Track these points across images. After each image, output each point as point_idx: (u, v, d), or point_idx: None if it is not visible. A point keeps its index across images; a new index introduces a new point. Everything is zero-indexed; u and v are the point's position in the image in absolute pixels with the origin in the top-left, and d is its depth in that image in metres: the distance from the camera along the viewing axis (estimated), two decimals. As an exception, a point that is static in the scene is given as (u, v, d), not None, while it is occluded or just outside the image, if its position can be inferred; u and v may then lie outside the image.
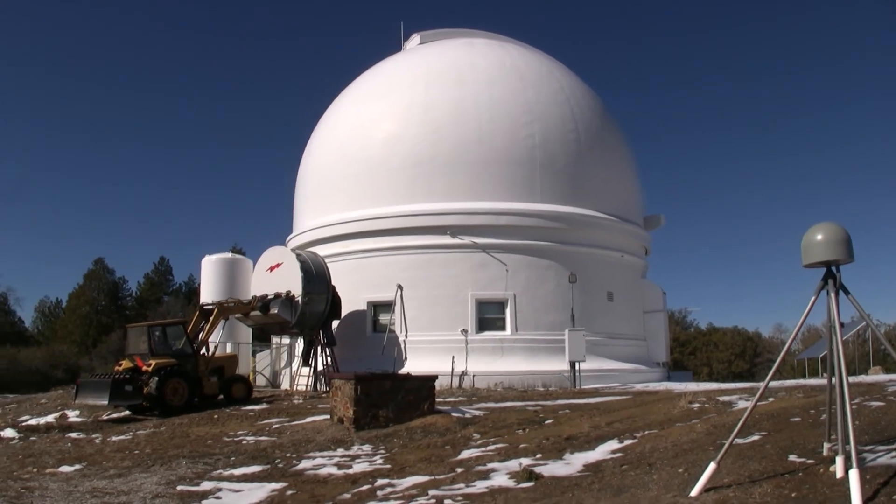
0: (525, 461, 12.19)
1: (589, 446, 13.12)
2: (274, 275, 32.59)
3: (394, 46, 42.70)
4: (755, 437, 11.12)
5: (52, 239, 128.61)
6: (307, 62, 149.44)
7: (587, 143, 35.20)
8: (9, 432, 22.44)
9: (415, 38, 41.76)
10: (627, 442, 13.01)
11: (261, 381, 36.67)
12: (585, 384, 29.76)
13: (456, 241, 32.66)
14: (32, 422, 25.44)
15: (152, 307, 74.77)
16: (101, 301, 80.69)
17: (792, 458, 9.46)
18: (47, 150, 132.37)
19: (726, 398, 18.30)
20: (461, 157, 33.36)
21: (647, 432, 13.80)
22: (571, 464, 11.78)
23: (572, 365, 30.25)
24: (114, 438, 20.34)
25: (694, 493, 8.38)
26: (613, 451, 12.37)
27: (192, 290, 73.42)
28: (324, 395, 27.18)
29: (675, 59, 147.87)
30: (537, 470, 11.21)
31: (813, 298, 8.59)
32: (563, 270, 32.69)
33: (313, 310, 31.22)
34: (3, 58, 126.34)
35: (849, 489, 7.30)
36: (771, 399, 16.23)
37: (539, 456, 12.72)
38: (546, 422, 17.14)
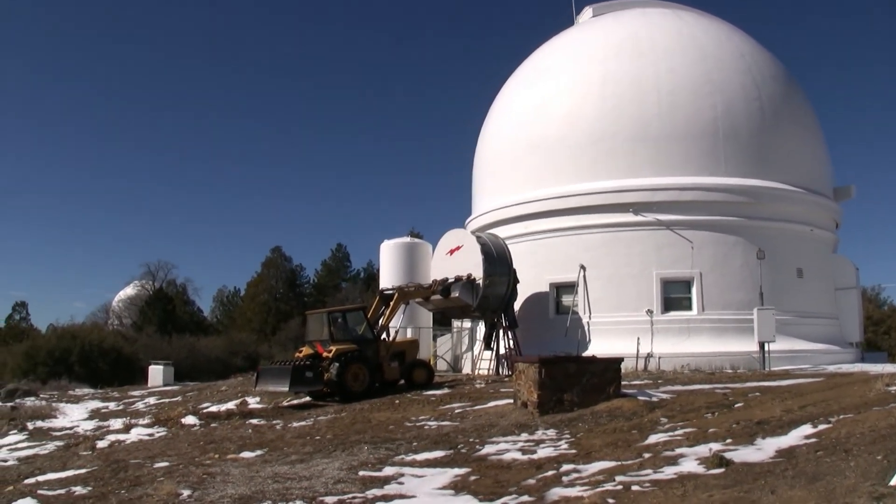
0: (715, 446, 12.12)
1: (781, 431, 12.89)
2: (454, 258, 33.10)
3: (566, 21, 42.53)
4: (959, 423, 10.77)
5: (229, 229, 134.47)
6: (479, 42, 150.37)
7: (771, 112, 34.14)
8: (190, 419, 23.42)
9: (587, 12, 41.34)
10: (822, 427, 12.73)
11: (442, 365, 37.28)
12: (775, 366, 29.00)
13: (639, 218, 32.32)
14: (213, 409, 26.48)
15: (330, 293, 76.45)
16: (279, 289, 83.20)
17: None
18: (225, 141, 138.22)
19: (925, 381, 17.61)
20: (642, 132, 32.97)
21: (842, 417, 13.46)
22: (763, 449, 11.61)
23: (761, 346, 29.48)
24: (294, 424, 21.03)
25: (895, 481, 8.20)
26: (807, 437, 12.13)
27: (371, 276, 74.86)
28: (506, 379, 27.42)
29: (862, 17, 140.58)
30: (728, 455, 11.13)
31: None
32: (751, 246, 31.86)
33: (495, 292, 31.50)
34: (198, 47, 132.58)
35: None
36: (974, 381, 15.58)
37: (729, 441, 12.59)
38: (735, 405, 16.91)
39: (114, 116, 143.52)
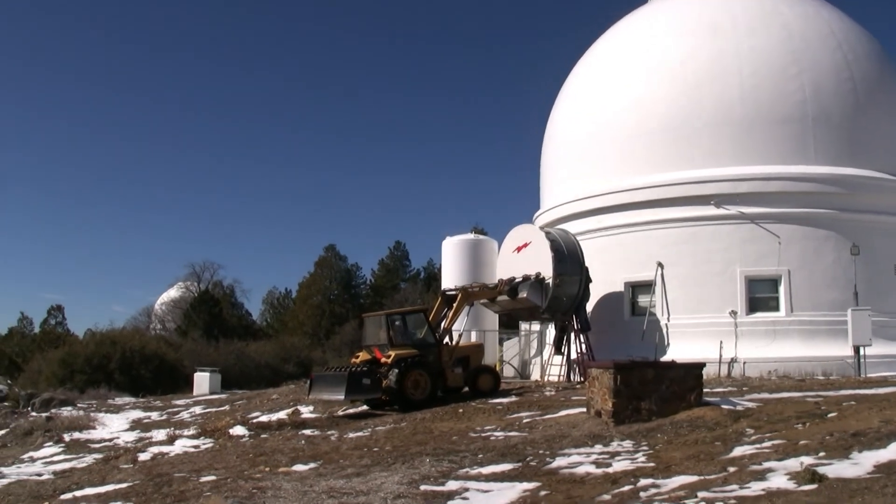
0: (806, 460, 11.95)
1: (879, 444, 12.68)
2: (521, 255, 32.93)
3: (638, -1, 42.21)
4: None
5: (279, 226, 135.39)
6: (547, 24, 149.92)
7: (865, 94, 33.54)
8: (239, 430, 23.57)
9: (662, -13, 41.06)
10: (924, 439, 12.58)
11: (509, 371, 37.26)
12: (871, 372, 28.47)
13: (721, 211, 31.94)
14: (263, 418, 26.57)
15: (388, 295, 76.52)
16: (333, 290, 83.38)
17: None
18: (275, 133, 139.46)
19: None
20: (722, 117, 32.65)
21: (947, 428, 13.28)
22: (860, 464, 11.45)
23: (856, 350, 28.97)
24: (351, 435, 21.05)
25: None
26: (908, 450, 11.98)
27: (432, 276, 75.01)
28: (578, 386, 27.36)
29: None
30: (820, 470, 10.96)
31: None
32: (844, 241, 31.27)
33: (566, 293, 31.30)
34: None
35: None
36: None
37: (822, 454, 12.42)
38: (828, 415, 16.67)
39: (157, 112, 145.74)
